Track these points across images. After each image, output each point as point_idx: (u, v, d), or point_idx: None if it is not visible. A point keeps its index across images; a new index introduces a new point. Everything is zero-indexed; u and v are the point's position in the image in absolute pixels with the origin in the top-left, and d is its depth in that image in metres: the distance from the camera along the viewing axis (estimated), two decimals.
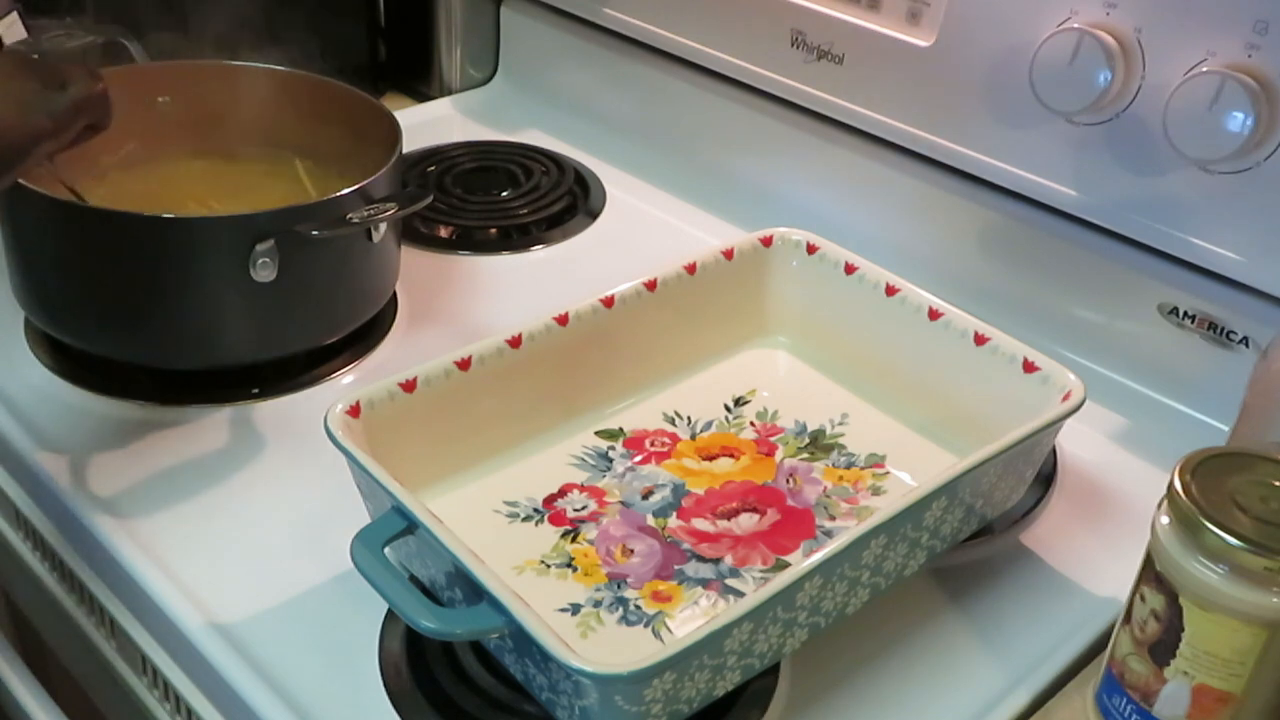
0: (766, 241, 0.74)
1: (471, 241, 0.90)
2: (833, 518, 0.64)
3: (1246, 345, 0.71)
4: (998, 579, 0.64)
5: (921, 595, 0.62)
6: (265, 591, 0.60)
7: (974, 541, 0.64)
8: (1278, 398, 0.58)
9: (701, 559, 0.61)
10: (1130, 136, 0.71)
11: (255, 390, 0.72)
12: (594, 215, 0.94)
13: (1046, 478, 0.69)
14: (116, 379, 0.72)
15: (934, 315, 0.68)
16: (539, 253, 0.89)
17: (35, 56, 0.51)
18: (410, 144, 0.88)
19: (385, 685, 0.55)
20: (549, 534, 0.62)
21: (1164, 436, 0.73)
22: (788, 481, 0.66)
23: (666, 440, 0.68)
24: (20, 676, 0.70)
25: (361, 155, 0.76)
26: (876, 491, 0.65)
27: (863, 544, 0.53)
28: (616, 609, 0.58)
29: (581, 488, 0.64)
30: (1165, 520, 0.50)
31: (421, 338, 0.79)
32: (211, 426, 0.70)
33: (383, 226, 0.72)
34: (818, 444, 0.68)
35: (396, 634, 0.57)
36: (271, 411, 0.71)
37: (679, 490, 0.65)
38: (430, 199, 0.75)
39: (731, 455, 0.67)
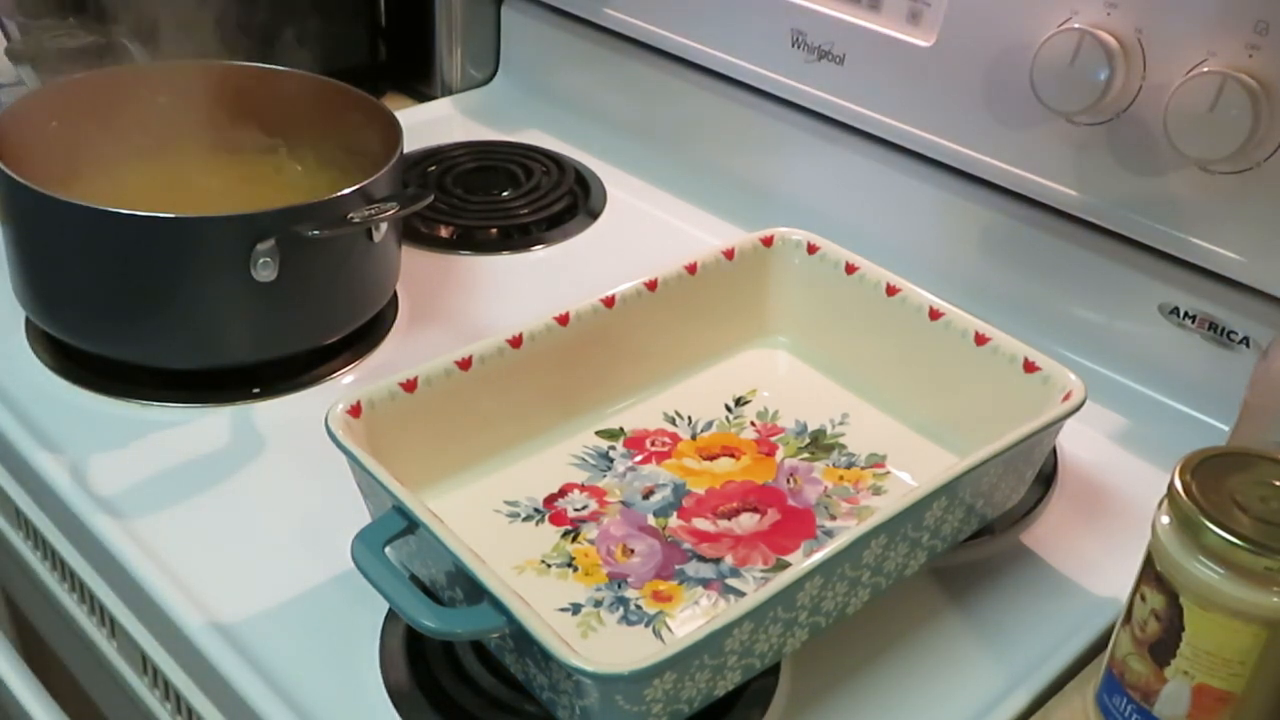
0: (767, 241, 0.74)
1: (472, 241, 0.90)
2: (833, 517, 0.64)
3: (1246, 345, 0.71)
4: (998, 579, 0.64)
5: (921, 595, 0.62)
6: (265, 591, 0.60)
7: (974, 541, 0.64)
8: (1278, 398, 0.58)
9: (702, 559, 0.61)
10: (1131, 136, 0.71)
11: (255, 390, 0.72)
12: (594, 215, 0.94)
13: (1047, 478, 0.69)
14: (116, 379, 0.72)
15: (934, 315, 0.68)
16: (539, 253, 0.89)
17: None
18: (410, 144, 0.88)
19: (385, 685, 0.55)
20: (549, 534, 0.62)
21: (1164, 436, 0.73)
22: (788, 481, 0.66)
23: (667, 440, 0.68)
24: (20, 676, 0.70)
25: (361, 155, 0.76)
26: (877, 491, 0.65)
27: (863, 544, 0.53)
28: (617, 609, 0.58)
29: (582, 487, 0.64)
30: (1165, 520, 0.50)
31: (422, 338, 0.79)
32: (211, 426, 0.70)
33: (383, 226, 0.72)
34: (818, 444, 0.68)
35: (397, 634, 0.57)
36: (271, 411, 0.72)
37: (679, 490, 0.65)
38: (431, 199, 0.75)
39: (732, 455, 0.67)
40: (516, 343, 0.65)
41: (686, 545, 0.61)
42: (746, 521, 0.63)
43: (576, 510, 0.63)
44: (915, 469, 0.66)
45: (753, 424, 0.70)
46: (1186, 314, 0.73)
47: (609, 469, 0.66)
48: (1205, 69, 0.66)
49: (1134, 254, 0.75)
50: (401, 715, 0.54)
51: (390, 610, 0.58)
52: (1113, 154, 0.72)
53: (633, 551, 0.61)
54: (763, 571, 0.60)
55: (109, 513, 0.64)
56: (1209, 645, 0.49)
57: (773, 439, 0.69)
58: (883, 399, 0.71)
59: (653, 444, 0.68)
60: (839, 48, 0.84)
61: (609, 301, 0.68)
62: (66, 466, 0.66)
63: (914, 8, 0.80)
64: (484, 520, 0.62)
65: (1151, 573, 0.51)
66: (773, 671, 0.56)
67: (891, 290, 0.70)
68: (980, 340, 0.66)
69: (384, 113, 0.78)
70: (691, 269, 0.71)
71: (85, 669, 0.71)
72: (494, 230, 0.91)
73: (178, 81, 0.81)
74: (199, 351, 0.71)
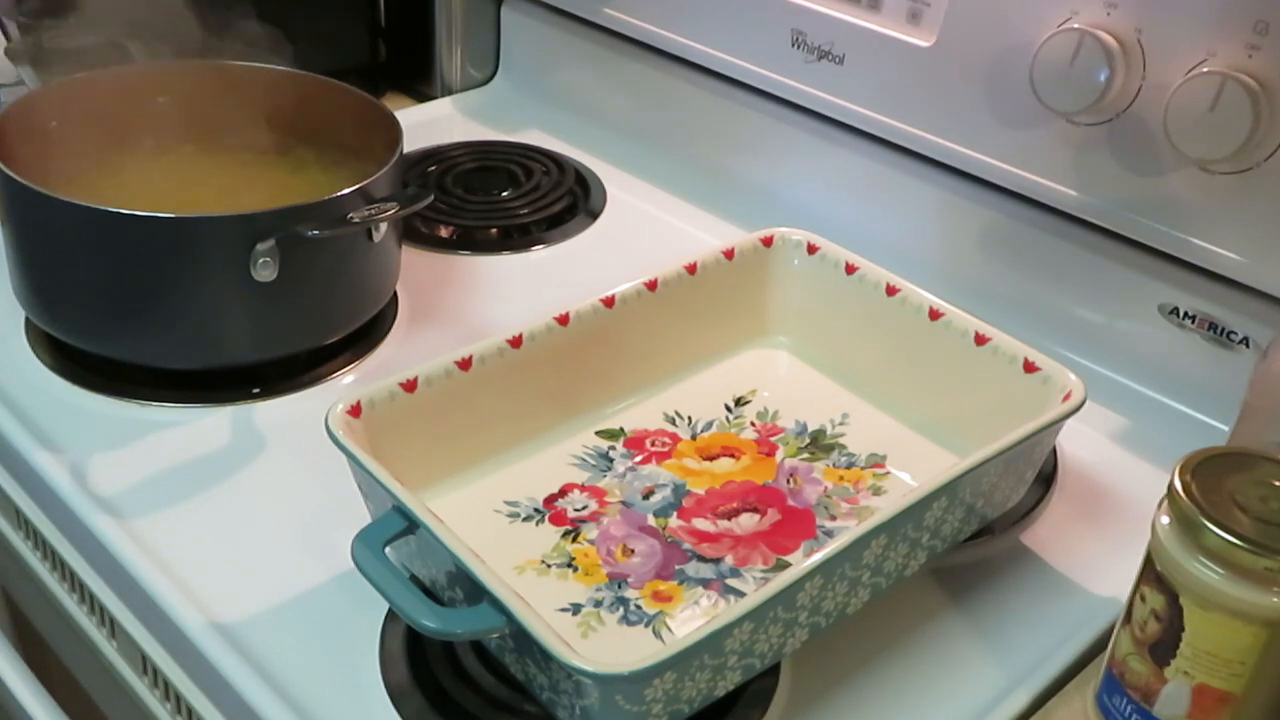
0: (767, 241, 0.74)
1: (472, 241, 0.90)
2: (833, 518, 0.64)
3: (1246, 345, 0.71)
4: (998, 579, 0.64)
5: (921, 595, 0.62)
6: (265, 591, 0.60)
7: (974, 541, 0.64)
8: (1278, 398, 0.58)
9: (702, 559, 0.61)
10: (1130, 137, 0.71)
11: (255, 390, 0.72)
12: (594, 215, 0.94)
13: (1047, 478, 0.69)
14: (116, 379, 0.72)
15: (934, 315, 0.68)
16: (539, 253, 0.89)
17: None
18: (410, 144, 0.88)
19: (386, 685, 0.55)
20: (549, 534, 0.62)
21: (1164, 436, 0.73)
22: (788, 481, 0.66)
23: (667, 440, 0.68)
24: (20, 676, 0.70)
25: (361, 155, 0.76)
26: (877, 491, 0.65)
27: (863, 544, 0.53)
28: (617, 609, 0.58)
29: (582, 487, 0.64)
30: (1165, 520, 0.50)
31: (422, 338, 0.79)
32: (211, 426, 0.70)
33: (383, 226, 0.72)
34: (818, 444, 0.68)
35: (397, 634, 0.57)
36: (272, 411, 0.71)
37: (679, 490, 0.65)
38: (431, 199, 0.75)
39: (732, 455, 0.67)
40: (516, 343, 0.65)
41: (686, 545, 0.61)
42: (746, 521, 0.63)
43: (576, 510, 0.63)
44: (915, 469, 0.66)
45: (753, 424, 0.70)
46: (1186, 314, 0.73)
47: (609, 469, 0.66)
48: (1205, 69, 0.66)
49: (1134, 254, 0.75)
50: (401, 715, 0.54)
51: (390, 610, 0.58)
52: (1113, 154, 0.72)
53: (633, 551, 0.61)
54: (763, 572, 0.60)
55: (109, 513, 0.64)
56: (1209, 645, 0.49)
57: (773, 439, 0.69)
58: (883, 399, 0.71)
59: (653, 444, 0.68)
60: (839, 48, 0.84)
61: (609, 301, 0.68)
62: (66, 466, 0.66)
63: (914, 8, 0.80)
64: (484, 520, 0.62)
65: (1151, 573, 0.51)
66: (773, 671, 0.56)
67: (891, 290, 0.70)
68: (980, 340, 0.66)
69: (384, 113, 0.78)
70: (691, 269, 0.71)
71: (85, 669, 0.71)
72: (494, 230, 0.91)
73: (178, 81, 0.81)
74: (199, 351, 0.71)
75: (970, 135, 0.79)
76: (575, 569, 0.60)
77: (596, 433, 0.68)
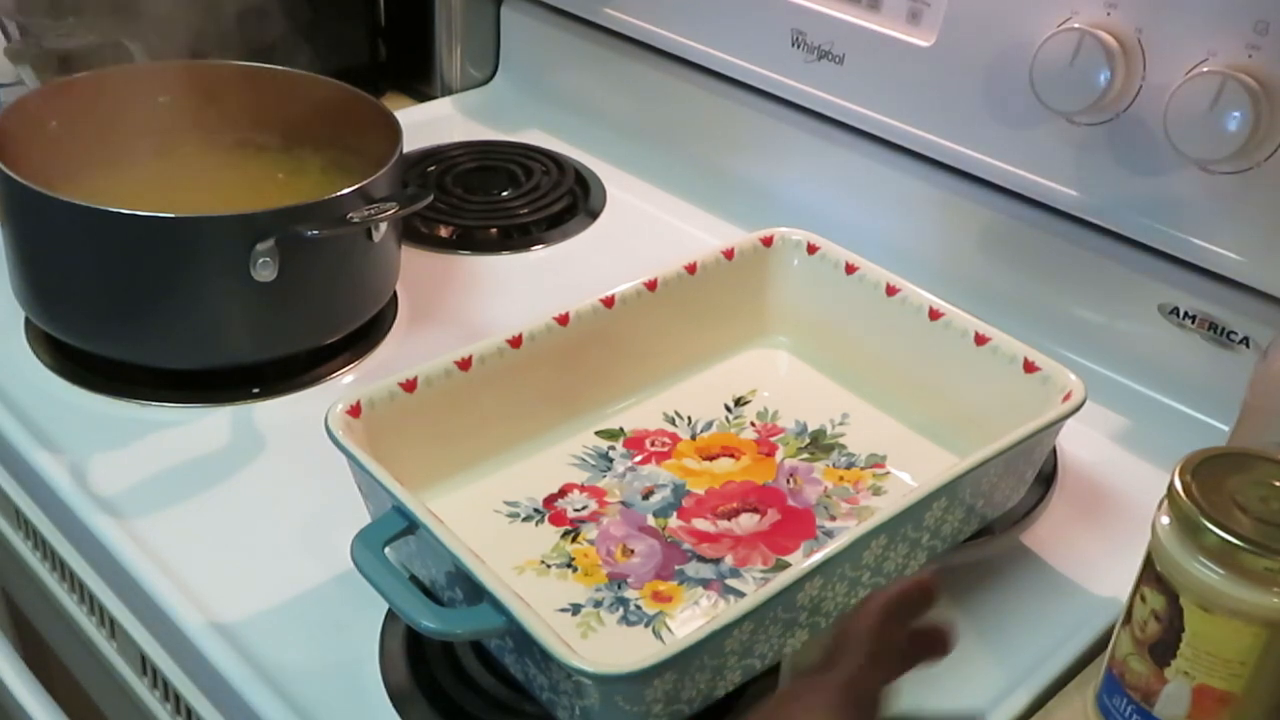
0: (767, 241, 0.74)
1: (472, 241, 0.90)
2: (833, 518, 0.64)
3: (1246, 345, 0.71)
4: (998, 579, 0.64)
5: None
6: (265, 591, 0.60)
7: (974, 542, 0.64)
8: (1278, 398, 0.58)
9: (702, 559, 0.61)
10: (1131, 136, 0.71)
11: (255, 390, 0.72)
12: (594, 215, 0.94)
13: (1047, 478, 0.69)
14: (116, 379, 0.72)
15: (934, 315, 0.68)
16: (539, 253, 0.89)
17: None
18: (410, 144, 0.88)
19: (386, 685, 0.55)
20: (549, 534, 0.62)
21: (1164, 436, 0.73)
22: (788, 482, 0.66)
23: (667, 440, 0.68)
24: (20, 676, 0.70)
25: (361, 155, 0.76)
26: (877, 492, 0.65)
27: (863, 544, 0.53)
28: (617, 609, 0.58)
29: (582, 488, 0.64)
30: (1165, 520, 0.50)
31: (422, 338, 0.79)
32: (211, 426, 0.70)
33: (383, 226, 0.72)
34: (818, 444, 0.68)
35: (397, 634, 0.57)
36: (271, 411, 0.71)
37: (679, 490, 0.65)
38: (430, 199, 0.75)
39: (732, 455, 0.67)
40: (516, 343, 0.65)
41: (686, 545, 0.61)
42: (746, 522, 0.63)
43: (576, 510, 0.63)
44: (915, 469, 0.66)
45: (753, 424, 0.70)
46: (1186, 314, 0.73)
47: (609, 469, 0.66)
48: (1205, 69, 0.66)
49: (1134, 254, 0.75)
50: (401, 715, 0.54)
51: (390, 610, 0.58)
52: (1113, 154, 0.72)
53: (633, 552, 0.61)
54: (763, 572, 0.60)
55: (109, 513, 0.63)
56: (1209, 646, 0.49)
57: (773, 439, 0.69)
58: (883, 399, 0.71)
59: (653, 444, 0.68)
60: (839, 48, 0.84)
61: (609, 301, 0.68)
62: (66, 466, 0.66)
63: (914, 8, 0.80)
64: (484, 520, 0.62)
65: (1151, 573, 0.51)
66: (773, 671, 0.56)
67: (891, 290, 0.70)
68: (980, 340, 0.66)
69: (384, 113, 0.78)
70: (691, 269, 0.71)
71: (85, 669, 0.71)
72: (494, 230, 0.91)
73: (178, 81, 0.81)
74: (199, 351, 0.71)
75: (970, 135, 0.79)
76: (575, 569, 0.60)
77: (596, 433, 0.68)
